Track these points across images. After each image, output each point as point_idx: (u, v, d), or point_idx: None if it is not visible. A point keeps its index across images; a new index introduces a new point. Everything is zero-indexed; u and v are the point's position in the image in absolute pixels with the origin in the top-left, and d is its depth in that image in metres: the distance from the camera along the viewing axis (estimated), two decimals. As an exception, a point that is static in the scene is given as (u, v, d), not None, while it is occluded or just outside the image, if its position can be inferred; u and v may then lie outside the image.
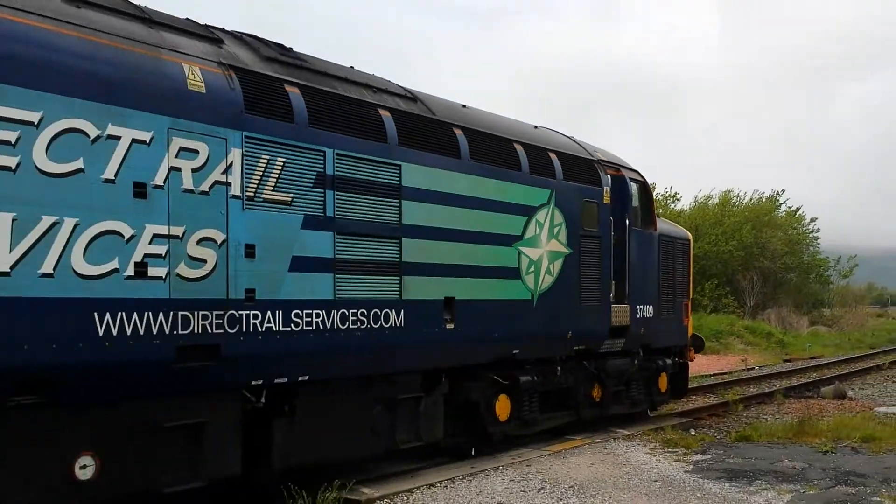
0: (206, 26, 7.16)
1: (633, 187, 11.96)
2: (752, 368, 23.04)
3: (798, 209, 49.34)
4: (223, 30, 7.34)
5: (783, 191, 48.97)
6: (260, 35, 7.73)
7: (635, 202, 11.98)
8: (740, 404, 15.04)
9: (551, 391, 10.44)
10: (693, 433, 12.05)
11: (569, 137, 11.62)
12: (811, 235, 49.71)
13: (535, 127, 11.10)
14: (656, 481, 8.80)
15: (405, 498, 7.84)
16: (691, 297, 14.29)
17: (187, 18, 7.05)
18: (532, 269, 9.77)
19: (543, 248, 9.96)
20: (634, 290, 11.72)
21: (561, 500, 7.97)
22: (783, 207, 48.65)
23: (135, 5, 6.53)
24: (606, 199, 11.22)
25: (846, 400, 16.75)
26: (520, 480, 8.68)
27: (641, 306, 11.93)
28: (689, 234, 14.42)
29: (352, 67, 8.56)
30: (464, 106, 9.81)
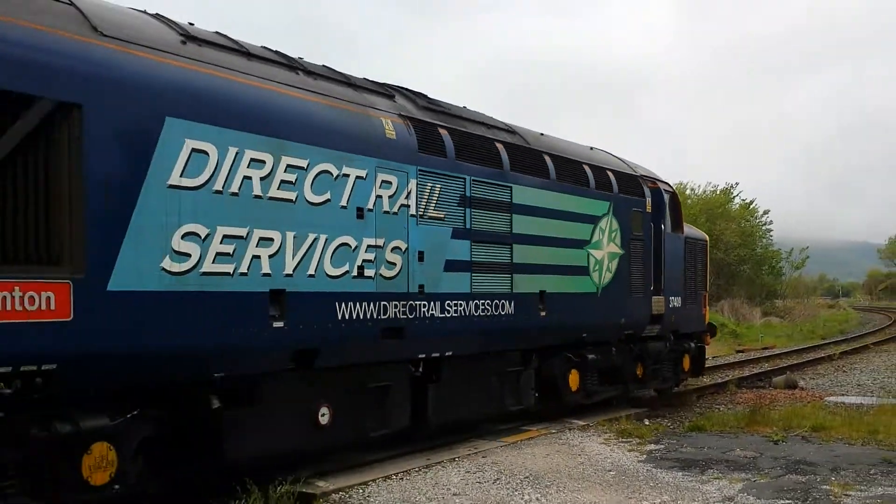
0: (384, 84, 9.35)
1: (666, 197, 14.21)
2: (706, 359, 23.74)
3: (751, 202, 50.29)
4: (392, 86, 9.52)
5: (737, 184, 49.51)
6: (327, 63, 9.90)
7: (668, 209, 14.21)
8: (693, 394, 15.47)
9: (607, 368, 12.62)
10: (647, 423, 12.11)
11: (617, 157, 13.87)
12: (764, 228, 50.71)
13: (591, 148, 13.34)
14: (610, 471, 8.88)
15: (360, 491, 7.85)
16: (707, 290, 16.72)
17: (364, 78, 9.23)
18: (597, 267, 12.00)
19: (604, 250, 12.20)
20: (667, 283, 13.95)
21: (516, 491, 7.99)
22: (737, 200, 49.28)
23: (343, 73, 8.73)
24: (648, 208, 13.49)
25: (797, 390, 16.92)
26: (476, 472, 8.68)
27: (672, 297, 14.19)
28: (707, 236, 16.84)
29: (465, 107, 10.73)
30: (542, 134, 11.99)
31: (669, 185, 14.81)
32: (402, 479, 8.33)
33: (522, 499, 7.71)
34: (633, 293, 12.93)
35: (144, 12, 7.08)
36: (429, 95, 10.05)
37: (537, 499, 7.70)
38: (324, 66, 8.70)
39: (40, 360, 5.45)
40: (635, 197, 13.16)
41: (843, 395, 16.48)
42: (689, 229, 15.76)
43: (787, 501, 7.68)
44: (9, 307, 5.24)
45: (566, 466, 9.02)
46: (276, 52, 8.09)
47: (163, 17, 7.11)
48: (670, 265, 14.13)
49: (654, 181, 14.13)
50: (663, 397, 14.88)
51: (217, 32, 7.60)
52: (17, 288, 5.29)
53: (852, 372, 20.81)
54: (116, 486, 6.11)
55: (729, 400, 15.50)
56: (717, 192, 48.66)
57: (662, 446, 10.36)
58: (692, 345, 15.35)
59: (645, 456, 9.73)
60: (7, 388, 5.33)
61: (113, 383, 6.13)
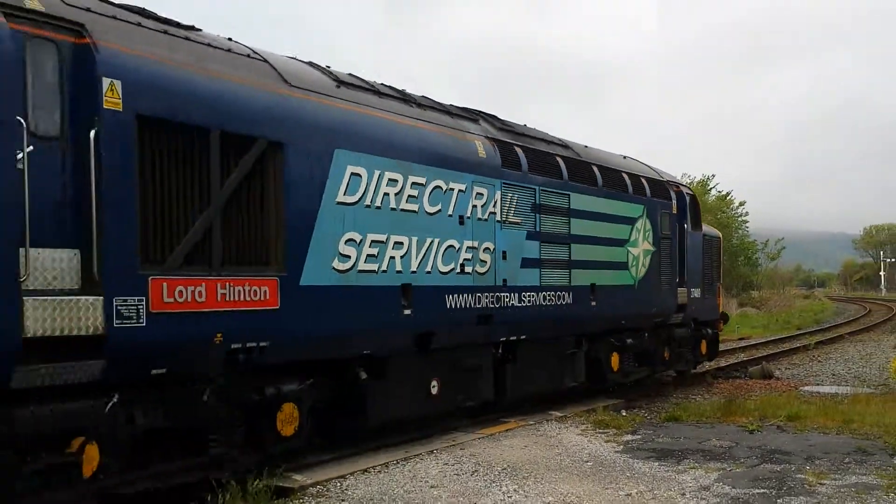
0: (469, 109, 11.19)
1: (688, 199, 15.98)
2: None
3: (728, 193, 51.12)
4: (475, 111, 11.31)
5: (713, 175, 50.09)
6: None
7: (689, 210, 15.96)
8: (671, 385, 15.69)
9: (641, 351, 14.39)
10: (624, 414, 12.24)
11: (645, 164, 15.66)
12: (740, 219, 51.29)
13: (624, 157, 15.10)
14: (588, 462, 8.89)
15: (338, 484, 7.83)
16: (721, 281, 18.57)
17: (452, 104, 10.96)
18: (634, 263, 13.78)
19: (640, 247, 13.97)
20: (689, 276, 15.76)
21: (494, 482, 7.98)
22: (713, 192, 49.74)
23: (440, 102, 10.56)
24: (674, 210, 15.29)
25: (773, 380, 17.02)
26: (454, 464, 8.67)
27: (693, 289, 15.99)
28: (720, 234, 18.66)
29: (525, 125, 12.48)
30: (586, 147, 13.73)
31: (689, 188, 16.66)
32: (380, 472, 8.33)
33: (500, 490, 7.72)
34: (663, 286, 14.73)
35: (301, 60, 8.80)
36: (499, 117, 11.80)
37: (515, 490, 7.71)
38: (424, 96, 10.43)
39: (260, 337, 7.17)
40: (663, 200, 14.96)
41: (818, 384, 16.64)
42: (706, 227, 17.54)
43: (762, 490, 7.72)
44: (242, 297, 6.99)
45: (544, 458, 9.02)
46: (393, 88, 9.80)
47: (315, 64, 8.81)
48: (691, 260, 15.94)
49: (677, 185, 15.93)
50: (682, 378, 16.68)
51: (350, 74, 9.31)
52: (246, 283, 7.04)
53: (827, 362, 21.05)
54: (298, 438, 7.85)
55: (705, 390, 15.67)
56: (694, 184, 48.86)
57: (639, 437, 10.38)
58: (709, 331, 17.16)
59: (622, 446, 9.74)
60: (241, 356, 7.08)
61: (298, 357, 7.82)
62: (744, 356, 21.93)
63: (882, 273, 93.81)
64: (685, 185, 16.47)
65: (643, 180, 14.41)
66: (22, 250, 5.49)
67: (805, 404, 12.81)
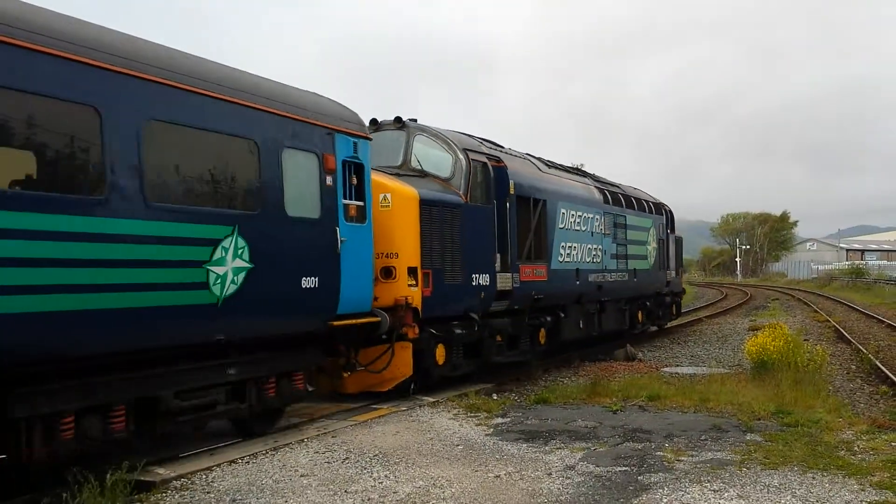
0: (584, 171, 19.64)
1: (670, 214, 24.59)
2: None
3: None
4: (582, 170, 19.75)
5: (582, 165, 52.96)
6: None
7: (670, 221, 24.53)
8: (540, 368, 16.09)
9: (649, 310, 22.65)
10: (495, 398, 12.49)
11: (643, 191, 24.02)
12: None
13: (635, 188, 23.44)
14: (458, 445, 8.95)
15: (204, 476, 7.66)
16: (683, 266, 27.90)
17: (575, 167, 19.44)
18: (648, 255, 22.05)
19: (650, 245, 22.34)
20: (671, 264, 24.52)
21: (365, 469, 7.95)
22: None
23: (578, 168, 19.55)
24: (664, 221, 23.88)
25: (636, 362, 17.73)
26: (324, 452, 8.62)
27: (670, 271, 24.62)
28: (681, 235, 27.16)
29: (594, 174, 20.55)
30: (620, 184, 21.94)
31: (669, 207, 24.91)
32: (248, 462, 8.19)
33: (371, 476, 7.69)
34: (659, 270, 23.26)
35: (530, 155, 16.76)
36: (586, 170, 20.38)
37: (386, 476, 7.72)
38: (575, 167, 19.25)
39: (539, 293, 15.03)
40: (658, 215, 23.46)
41: (677, 366, 17.36)
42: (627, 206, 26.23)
43: (624, 468, 7.89)
44: (531, 276, 14.80)
45: (415, 443, 9.06)
46: (562, 165, 18.28)
47: (531, 155, 16.76)
48: (671, 254, 24.56)
49: (664, 205, 24.43)
50: (662, 330, 24.81)
51: (540, 158, 17.12)
52: (538, 268, 15.04)
53: (686, 344, 22.08)
54: (546, 345, 15.84)
55: (573, 373, 16.22)
56: None
57: (509, 419, 10.53)
58: (678, 299, 26.29)
59: (492, 429, 9.88)
60: (536, 301, 14.99)
61: (549, 304, 15.62)
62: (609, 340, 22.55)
63: (738, 259, 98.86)
64: (666, 204, 24.80)
65: (651, 203, 23.04)
66: (497, 255, 13.49)
67: (665, 385, 13.23)
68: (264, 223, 8.77)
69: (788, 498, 6.82)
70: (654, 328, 24.00)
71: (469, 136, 14.08)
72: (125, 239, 7.17)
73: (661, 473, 7.69)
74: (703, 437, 9.22)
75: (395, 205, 11.39)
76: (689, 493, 7.00)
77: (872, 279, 63.35)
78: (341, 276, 9.92)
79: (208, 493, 7.22)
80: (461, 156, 12.88)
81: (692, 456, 8.36)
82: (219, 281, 8.14)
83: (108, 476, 6.79)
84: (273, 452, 8.62)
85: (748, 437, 9.20)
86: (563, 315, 16.09)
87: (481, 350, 13.31)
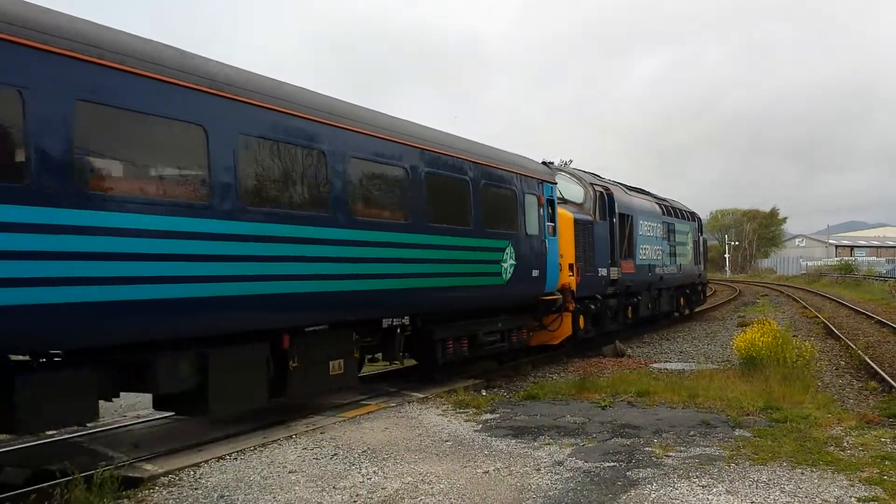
0: (642, 189, 25.21)
1: (700, 220, 30.92)
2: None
3: None
4: (641, 189, 25.28)
5: (571, 161, 53.34)
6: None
7: (701, 226, 30.82)
8: (529, 364, 16.27)
9: (689, 297, 29.17)
10: (484, 393, 12.49)
11: (679, 202, 29.76)
12: None
13: (674, 200, 29.02)
14: (447, 441, 8.95)
15: (191, 472, 7.67)
16: (708, 260, 34.12)
17: (638, 188, 25.51)
18: (687, 253, 27.96)
19: (690, 245, 28.55)
20: (700, 261, 30.38)
21: (354, 465, 7.94)
22: None
23: (642, 188, 25.58)
24: (696, 226, 29.94)
25: (625, 358, 17.79)
26: (313, 448, 8.63)
27: (701, 266, 30.72)
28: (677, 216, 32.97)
29: (648, 190, 27.07)
30: (666, 198, 28.25)
31: (698, 214, 31.21)
32: (236, 458, 8.21)
33: (360, 472, 7.70)
34: (695, 265, 29.40)
35: (611, 181, 22.52)
36: (647, 189, 26.38)
37: (374, 472, 7.72)
38: (640, 188, 24.60)
39: (630, 282, 21.01)
40: (693, 222, 29.46)
41: (666, 361, 17.30)
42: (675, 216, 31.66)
43: (613, 464, 7.90)
44: (626, 270, 20.64)
45: (404, 439, 9.06)
46: (635, 187, 23.86)
47: (618, 182, 22.24)
48: (702, 251, 30.86)
49: (695, 213, 30.53)
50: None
51: (624, 184, 22.87)
52: (627, 265, 20.71)
53: (675, 340, 22.27)
54: (633, 319, 21.21)
55: (562, 369, 16.16)
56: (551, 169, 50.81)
57: (497, 415, 10.49)
58: (704, 288, 32.74)
59: (480, 425, 9.85)
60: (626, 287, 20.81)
61: (636, 290, 21.79)
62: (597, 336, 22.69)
63: (727, 255, 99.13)
64: (698, 213, 31.07)
65: (688, 212, 29.03)
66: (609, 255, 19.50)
67: (654, 381, 13.19)
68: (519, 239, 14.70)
69: (777, 493, 6.79)
70: (687, 312, 29.48)
71: (585, 171, 20.50)
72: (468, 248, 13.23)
73: (649, 469, 7.68)
74: (691, 433, 9.24)
75: (560, 223, 16.90)
76: (677, 489, 6.99)
77: (861, 275, 63.79)
78: (547, 269, 15.68)
79: (196, 489, 7.21)
80: (590, 188, 19.37)
81: (681, 451, 8.37)
82: (504, 270, 14.10)
83: (97, 472, 6.88)
84: (261, 449, 8.64)
85: (737, 433, 9.20)
86: (639, 298, 22.10)
87: (600, 321, 19.31)
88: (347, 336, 10.68)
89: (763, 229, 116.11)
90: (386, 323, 11.46)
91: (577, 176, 19.72)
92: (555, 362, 17.18)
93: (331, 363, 10.29)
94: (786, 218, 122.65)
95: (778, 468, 7.60)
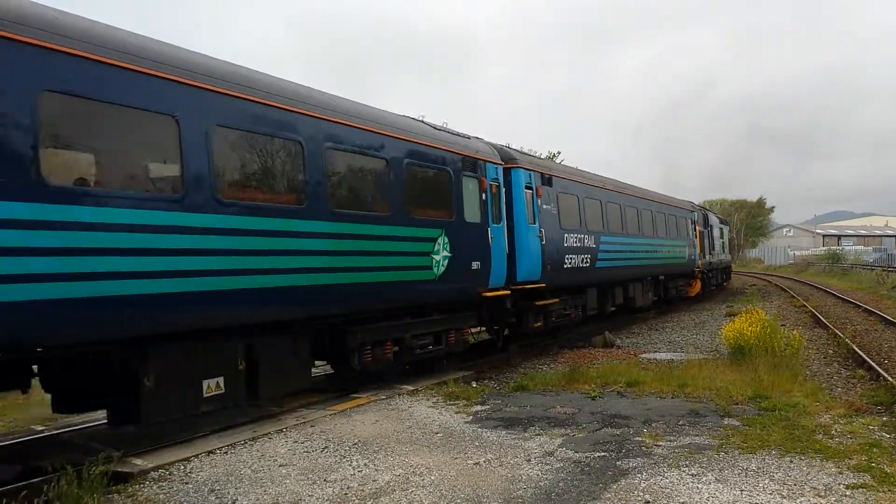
0: (691, 202, 26.69)
1: (702, 212, 32.51)
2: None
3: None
4: (691, 203, 26.57)
5: (559, 152, 49.23)
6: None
7: (702, 217, 31.82)
8: (518, 356, 16.12)
9: (725, 275, 31.98)
10: (474, 385, 12.40)
11: (676, 197, 29.98)
12: None
13: (671, 197, 28.92)
14: (438, 433, 8.95)
15: (182, 467, 7.66)
16: (715, 248, 35.70)
17: (689, 201, 26.18)
18: (724, 246, 31.33)
19: (724, 240, 32.34)
20: (707, 249, 31.70)
21: (344, 458, 7.92)
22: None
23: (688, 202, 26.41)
24: (698, 219, 30.50)
25: (614, 348, 17.66)
26: (304, 441, 8.61)
27: (711, 254, 32.54)
28: (721, 223, 37.69)
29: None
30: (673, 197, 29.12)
31: (701, 207, 33.83)
32: (226, 452, 8.19)
33: (350, 465, 7.69)
34: (701, 254, 30.25)
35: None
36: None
37: (365, 464, 7.72)
38: (689, 201, 27.14)
39: (707, 266, 30.46)
40: (724, 224, 31.39)
41: (655, 351, 17.22)
42: (714, 219, 35.29)
43: (603, 454, 7.91)
44: (705, 259, 27.41)
45: (395, 431, 9.05)
46: (692, 202, 26.36)
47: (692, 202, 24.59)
48: (708, 241, 32.56)
49: (700, 207, 32.71)
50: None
51: (691, 202, 26.43)
52: (706, 255, 29.32)
53: (664, 330, 22.05)
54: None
55: (552, 360, 16.11)
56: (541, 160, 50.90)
57: (488, 407, 10.48)
58: (729, 270, 36.85)
59: (471, 417, 9.86)
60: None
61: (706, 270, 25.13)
62: (586, 328, 21.96)
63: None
64: (699, 206, 33.95)
65: (718, 217, 31.13)
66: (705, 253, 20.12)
67: (643, 371, 13.19)
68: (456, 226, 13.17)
69: (766, 482, 6.82)
70: (718, 285, 37.67)
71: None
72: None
73: (639, 458, 7.71)
74: (681, 423, 9.26)
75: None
76: (667, 478, 7.00)
77: (849, 264, 64.10)
78: (492, 261, 14.12)
79: (186, 483, 7.22)
80: (698, 211, 31.34)
81: (670, 441, 8.39)
82: (435, 263, 12.38)
83: (86, 468, 6.83)
84: (251, 442, 8.62)
85: (726, 422, 9.23)
86: (713, 273, 34.09)
87: (705, 287, 31.00)
88: (219, 350, 8.75)
89: (751, 219, 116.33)
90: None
91: (685, 203, 30.07)
92: (545, 354, 17.00)
93: (205, 383, 8.53)
94: (773, 208, 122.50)
95: (767, 456, 7.62)
